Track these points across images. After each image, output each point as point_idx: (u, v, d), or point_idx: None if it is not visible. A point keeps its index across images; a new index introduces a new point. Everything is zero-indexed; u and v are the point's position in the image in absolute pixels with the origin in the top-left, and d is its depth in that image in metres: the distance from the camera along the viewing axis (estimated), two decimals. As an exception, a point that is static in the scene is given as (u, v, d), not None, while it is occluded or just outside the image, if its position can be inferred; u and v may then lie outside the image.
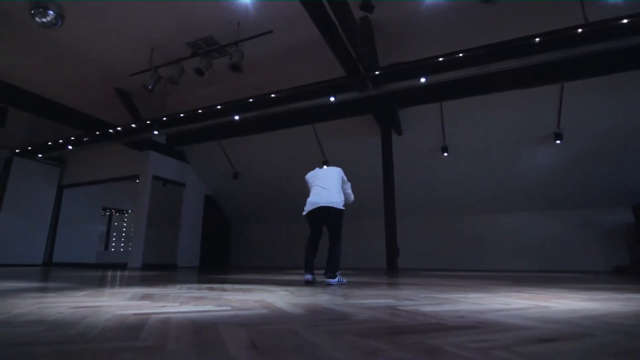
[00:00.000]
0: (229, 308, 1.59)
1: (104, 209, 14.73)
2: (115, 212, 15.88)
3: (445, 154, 7.40)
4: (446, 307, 1.62)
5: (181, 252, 9.22)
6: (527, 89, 5.97)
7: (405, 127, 7.50)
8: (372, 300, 1.93)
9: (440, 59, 4.50)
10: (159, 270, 6.71)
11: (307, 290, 2.57)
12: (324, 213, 3.37)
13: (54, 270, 6.25)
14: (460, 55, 4.37)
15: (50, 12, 3.57)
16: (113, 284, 3.09)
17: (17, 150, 8.56)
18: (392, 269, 6.14)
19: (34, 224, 8.92)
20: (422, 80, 4.69)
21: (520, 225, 7.63)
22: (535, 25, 4.34)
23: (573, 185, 6.97)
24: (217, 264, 10.27)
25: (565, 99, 6.09)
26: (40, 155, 8.64)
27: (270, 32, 5.43)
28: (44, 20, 3.62)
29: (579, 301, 1.85)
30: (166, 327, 1.12)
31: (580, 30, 3.76)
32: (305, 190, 3.66)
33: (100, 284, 3.07)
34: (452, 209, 8.18)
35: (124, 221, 16.15)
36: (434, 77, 5.13)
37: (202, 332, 1.06)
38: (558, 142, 6.45)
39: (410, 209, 8.24)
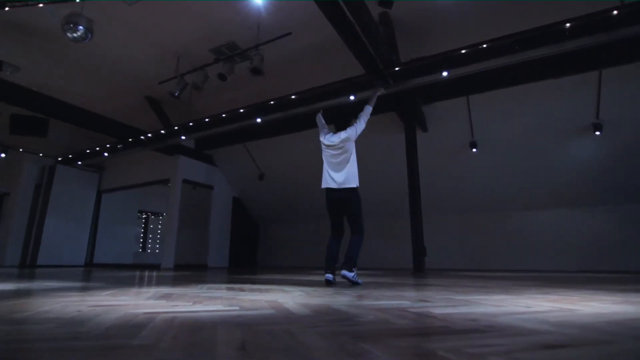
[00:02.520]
0: (237, 308, 1.61)
1: (141, 212, 15.48)
2: (151, 215, 16.61)
3: (474, 150, 7.13)
4: (460, 310, 1.55)
5: (211, 253, 9.48)
6: (561, 78, 5.62)
7: (431, 123, 7.30)
8: (386, 301, 1.88)
9: (463, 51, 4.33)
10: (190, 270, 6.94)
11: (323, 290, 2.55)
12: (337, 197, 3.27)
13: (92, 270, 6.62)
14: (484, 46, 4.18)
15: (80, 27, 3.80)
16: (140, 283, 3.22)
17: (59, 159, 9.17)
18: (418, 270, 5.98)
19: (76, 227, 9.51)
20: (444, 74, 4.54)
21: (559, 222, 7.20)
22: (565, 10, 4.08)
23: (616, 178, 6.48)
24: (245, 264, 10.48)
25: (604, 87, 5.68)
26: (79, 163, 9.20)
27: (289, 34, 5.46)
28: (75, 35, 3.85)
29: (611, 304, 1.70)
30: (168, 326, 1.14)
31: (615, 12, 3.49)
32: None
33: (128, 283, 3.21)
34: (483, 207, 7.86)
35: (159, 223, 16.86)
36: (458, 70, 4.96)
37: (200, 331, 1.07)
38: (598, 133, 6.03)
39: (439, 208, 8.02)
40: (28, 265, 8.53)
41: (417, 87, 5.72)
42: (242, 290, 2.56)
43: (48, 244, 8.74)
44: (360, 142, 8.41)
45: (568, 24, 3.73)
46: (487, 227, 7.83)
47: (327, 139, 3.51)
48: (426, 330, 1.09)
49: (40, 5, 3.35)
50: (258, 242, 11.22)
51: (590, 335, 1.00)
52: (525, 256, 7.30)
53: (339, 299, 1.98)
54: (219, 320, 1.27)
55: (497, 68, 5.01)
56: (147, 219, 16.66)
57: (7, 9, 3.27)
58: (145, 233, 16.41)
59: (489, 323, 1.20)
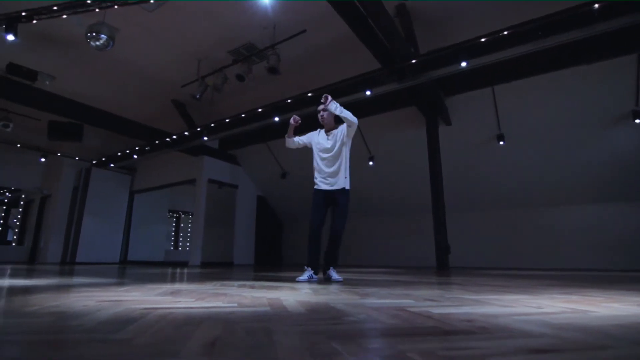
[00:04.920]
0: (235, 305, 1.62)
1: (173, 212, 16.11)
2: (182, 214, 17.24)
3: (501, 143, 6.83)
4: (463, 310, 1.47)
5: (237, 251, 9.70)
6: (595, 64, 5.25)
7: (454, 116, 7.06)
8: (390, 300, 1.83)
9: (483, 40, 4.14)
10: (215, 267, 7.12)
11: (332, 287, 2.53)
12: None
13: (123, 267, 6.96)
14: (505, 33, 3.98)
15: (103, 35, 3.99)
16: (159, 280, 3.33)
17: (94, 162, 9.71)
18: (442, 268, 5.82)
19: (111, 226, 10.05)
20: (463, 64, 4.36)
21: (595, 218, 6.75)
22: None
23: (660, 170, 5.99)
24: (270, 261, 10.63)
25: (644, 71, 5.25)
26: (112, 165, 9.69)
27: (304, 31, 5.46)
28: (98, 43, 4.06)
29: (636, 306, 1.56)
30: (157, 322, 1.17)
31: (651, -12, 3.20)
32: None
33: (148, 280, 3.33)
34: (513, 203, 7.52)
35: (189, 222, 17.45)
36: (479, 60, 4.76)
37: (183, 327, 1.08)
38: (638, 121, 5.59)
39: (466, 204, 7.77)
40: (68, 263, 9.10)
41: (438, 79, 5.56)
42: (253, 287, 2.59)
43: (86, 242, 9.28)
44: (382, 138, 8.29)
45: (597, 5, 3.46)
46: (518, 224, 7.48)
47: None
48: (411, 331, 1.04)
49: (64, 16, 3.57)
50: (282, 239, 11.36)
51: (589, 339, 0.91)
52: (559, 254, 6.91)
53: (342, 297, 1.95)
54: (209, 317, 1.28)
55: (522, 55, 4.74)
56: (178, 218, 17.31)
57: (34, 21, 3.52)
58: (176, 232, 17.06)
59: (484, 324, 1.13)
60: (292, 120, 3.35)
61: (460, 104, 6.83)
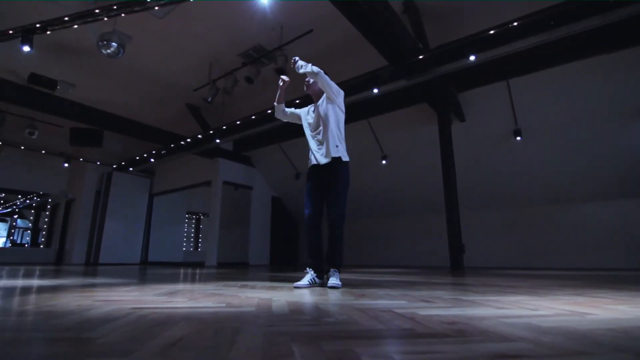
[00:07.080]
0: (224, 305, 1.62)
1: (192, 213, 16.46)
2: (202, 216, 17.59)
3: (518, 138, 6.60)
4: (452, 311, 1.42)
5: (252, 251, 9.80)
6: (616, 53, 4.99)
7: (468, 111, 6.88)
8: (383, 301, 1.79)
9: (492, 32, 4.01)
10: (230, 268, 7.21)
11: (330, 288, 2.50)
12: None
13: (141, 268, 7.15)
14: (515, 24, 3.83)
15: (113, 43, 4.12)
16: (166, 280, 3.39)
17: (114, 166, 10.05)
18: (456, 268, 5.67)
19: (132, 228, 10.36)
20: (472, 58, 4.23)
21: (619, 215, 6.41)
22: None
23: (692, 164, 5.63)
24: (286, 262, 10.68)
25: (671, 58, 4.95)
26: (131, 169, 9.99)
27: (311, 31, 5.45)
28: (109, 51, 4.19)
29: (641, 308, 1.46)
30: (134, 322, 1.18)
31: (671, -31, 3.01)
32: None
33: (156, 280, 3.40)
34: (531, 200, 7.25)
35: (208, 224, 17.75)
36: (490, 53, 4.62)
37: (157, 327, 1.09)
38: (665, 112, 5.27)
39: (484, 202, 7.56)
40: (91, 264, 9.44)
41: (449, 74, 5.42)
42: (253, 287, 2.59)
43: (108, 244, 9.61)
44: (395, 136, 8.15)
45: (612, -10, 3.29)
46: (536, 222, 7.20)
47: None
48: (381, 333, 1.01)
49: (75, 26, 3.71)
50: (298, 239, 11.38)
51: (569, 344, 0.86)
52: (581, 253, 6.61)
53: (335, 298, 1.92)
54: (190, 317, 1.29)
55: (537, 47, 4.58)
56: (198, 219, 17.67)
57: (48, 32, 3.68)
58: (196, 233, 17.42)
59: (464, 327, 1.08)
60: (280, 82, 2.89)
61: (474, 99, 6.64)
